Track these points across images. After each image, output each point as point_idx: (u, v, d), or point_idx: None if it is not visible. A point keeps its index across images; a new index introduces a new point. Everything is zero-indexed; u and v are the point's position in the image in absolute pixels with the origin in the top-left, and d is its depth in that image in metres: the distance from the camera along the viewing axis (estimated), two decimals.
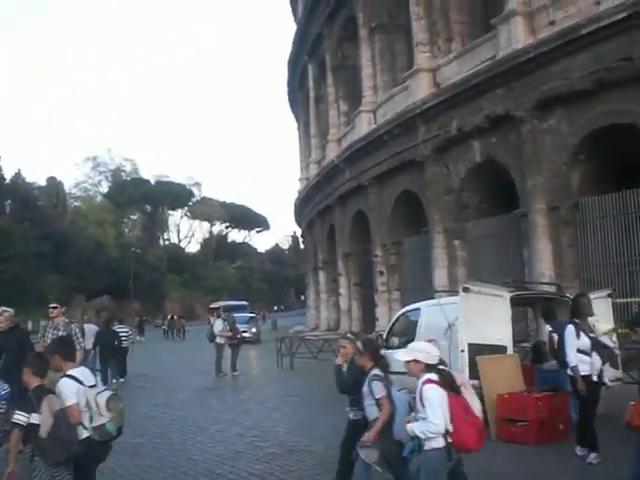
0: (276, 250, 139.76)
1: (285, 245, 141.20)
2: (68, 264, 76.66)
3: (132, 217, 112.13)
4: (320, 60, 37.68)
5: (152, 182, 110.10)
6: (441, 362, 6.06)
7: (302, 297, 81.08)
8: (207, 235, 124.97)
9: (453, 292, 15.55)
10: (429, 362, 5.77)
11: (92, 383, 6.30)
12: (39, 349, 9.52)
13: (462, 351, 11.67)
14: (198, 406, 15.88)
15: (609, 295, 12.64)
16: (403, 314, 15.51)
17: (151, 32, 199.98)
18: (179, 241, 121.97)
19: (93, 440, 6.04)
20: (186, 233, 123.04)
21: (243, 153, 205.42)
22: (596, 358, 8.81)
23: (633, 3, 15.47)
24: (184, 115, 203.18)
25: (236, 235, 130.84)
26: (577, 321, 9.00)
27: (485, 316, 11.72)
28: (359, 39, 30.14)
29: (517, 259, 20.05)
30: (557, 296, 13.41)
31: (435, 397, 5.53)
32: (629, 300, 16.26)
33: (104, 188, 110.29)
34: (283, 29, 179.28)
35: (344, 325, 32.83)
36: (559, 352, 9.86)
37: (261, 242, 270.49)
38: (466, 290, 11.94)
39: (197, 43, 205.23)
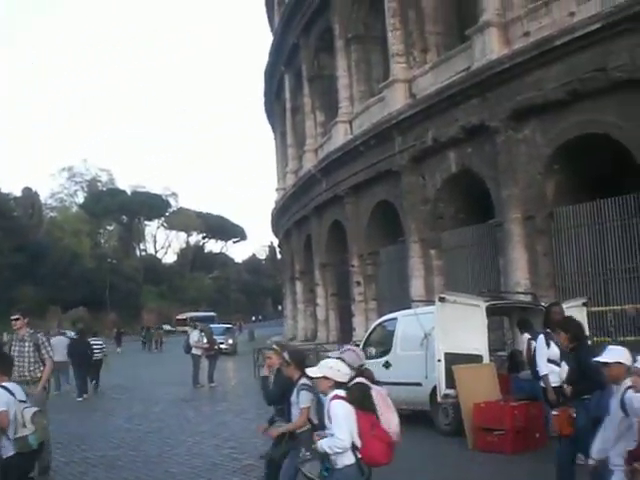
0: (253, 260, 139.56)
1: (262, 255, 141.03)
2: (44, 275, 75.95)
3: (108, 228, 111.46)
4: (297, 70, 37.69)
5: (128, 192, 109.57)
6: (361, 371, 6.35)
7: (279, 307, 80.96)
8: (184, 245, 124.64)
9: (429, 302, 15.61)
10: (338, 379, 5.82)
11: (23, 398, 6.96)
12: None
13: (439, 361, 11.73)
14: (175, 418, 15.80)
15: (584, 304, 12.77)
16: (380, 324, 15.57)
17: (126, 41, 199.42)
18: (156, 252, 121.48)
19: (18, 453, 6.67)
20: (163, 244, 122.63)
21: (220, 163, 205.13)
22: (565, 368, 8.87)
23: (607, 14, 15.62)
24: (160, 125, 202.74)
25: (213, 245, 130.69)
26: (549, 331, 9.05)
27: (461, 325, 11.79)
28: (335, 50, 30.19)
29: (493, 268, 20.13)
30: (532, 305, 13.52)
31: (341, 413, 5.59)
32: (604, 309, 16.36)
33: (80, 198, 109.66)
34: (260, 39, 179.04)
35: (321, 335, 32.76)
36: (532, 362, 9.94)
37: (238, 252, 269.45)
38: (442, 300, 12.01)
39: (173, 52, 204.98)
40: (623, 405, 5.55)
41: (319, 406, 6.48)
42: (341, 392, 5.72)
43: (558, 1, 17.73)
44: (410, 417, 13.91)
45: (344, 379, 5.86)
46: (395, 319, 14.52)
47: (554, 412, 7.36)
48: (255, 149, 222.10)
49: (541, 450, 9.78)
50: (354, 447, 5.59)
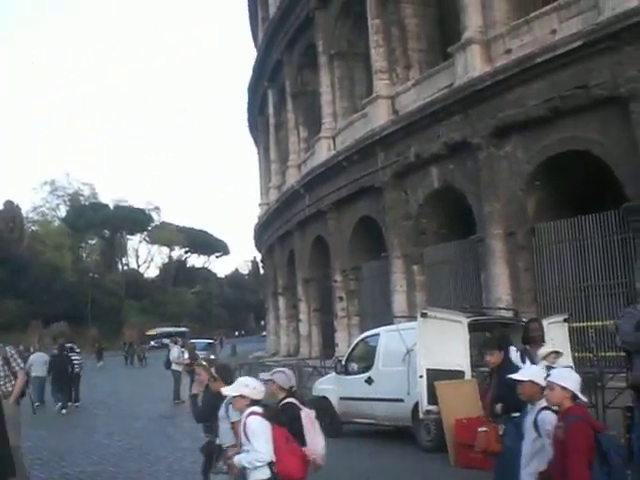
0: (236, 275, 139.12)
1: (245, 270, 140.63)
2: (25, 289, 75.28)
3: (90, 242, 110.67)
4: (280, 86, 37.79)
5: (111, 206, 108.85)
6: (292, 392, 6.54)
7: (262, 322, 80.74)
8: (166, 260, 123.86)
9: (412, 317, 15.61)
10: (254, 397, 5.86)
11: None
12: None
13: (421, 377, 11.72)
14: (155, 434, 15.70)
15: (565, 320, 12.78)
16: (362, 340, 15.54)
17: (107, 52, 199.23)
18: (138, 266, 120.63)
19: None
20: (145, 258, 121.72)
21: (203, 178, 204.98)
22: None
23: (588, 32, 15.80)
24: (143, 139, 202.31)
25: (195, 260, 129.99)
26: (527, 347, 9.04)
27: (443, 341, 11.80)
28: (319, 66, 30.30)
29: (475, 284, 20.20)
30: (514, 321, 13.53)
31: (259, 428, 5.63)
32: (585, 324, 16.46)
33: (62, 212, 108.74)
34: (242, 56, 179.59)
35: (304, 351, 32.70)
36: None
37: (221, 267, 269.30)
38: (424, 315, 12.02)
39: (156, 66, 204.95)
40: (536, 425, 5.55)
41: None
42: (257, 409, 5.76)
43: (540, 19, 17.93)
44: (392, 433, 13.93)
45: (259, 397, 5.89)
46: (377, 335, 14.51)
47: (480, 429, 7.32)
48: (238, 164, 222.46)
49: None
50: (270, 462, 5.61)
